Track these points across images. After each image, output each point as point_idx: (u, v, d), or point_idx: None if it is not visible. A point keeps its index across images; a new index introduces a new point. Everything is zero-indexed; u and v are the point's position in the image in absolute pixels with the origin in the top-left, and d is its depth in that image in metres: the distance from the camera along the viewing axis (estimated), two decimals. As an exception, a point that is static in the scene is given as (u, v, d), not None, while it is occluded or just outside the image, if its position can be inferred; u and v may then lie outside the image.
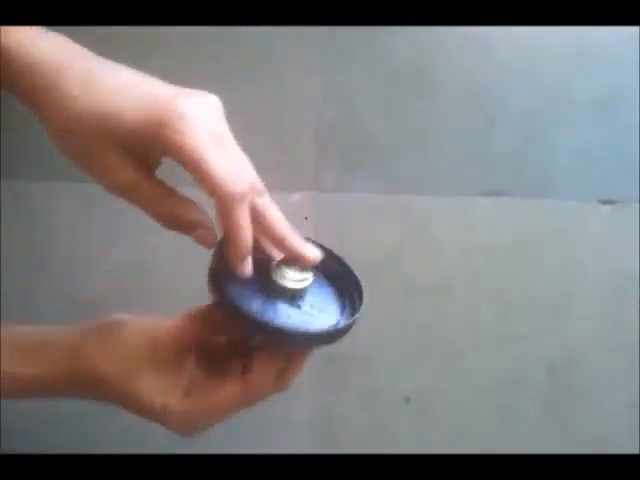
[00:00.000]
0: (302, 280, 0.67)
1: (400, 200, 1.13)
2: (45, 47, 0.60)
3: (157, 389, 0.62)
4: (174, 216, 0.62)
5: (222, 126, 0.61)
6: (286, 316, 0.65)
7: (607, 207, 1.20)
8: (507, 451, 1.13)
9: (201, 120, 0.58)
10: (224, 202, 0.59)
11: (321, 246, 0.69)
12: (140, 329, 0.66)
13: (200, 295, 1.09)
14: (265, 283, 0.66)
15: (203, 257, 1.12)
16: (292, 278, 0.66)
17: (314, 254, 0.66)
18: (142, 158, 0.60)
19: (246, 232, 0.61)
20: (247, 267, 0.63)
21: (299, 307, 0.68)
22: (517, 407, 1.16)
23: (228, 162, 0.59)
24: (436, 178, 1.18)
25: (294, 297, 0.67)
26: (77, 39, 0.64)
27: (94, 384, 0.62)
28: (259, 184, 0.64)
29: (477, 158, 1.19)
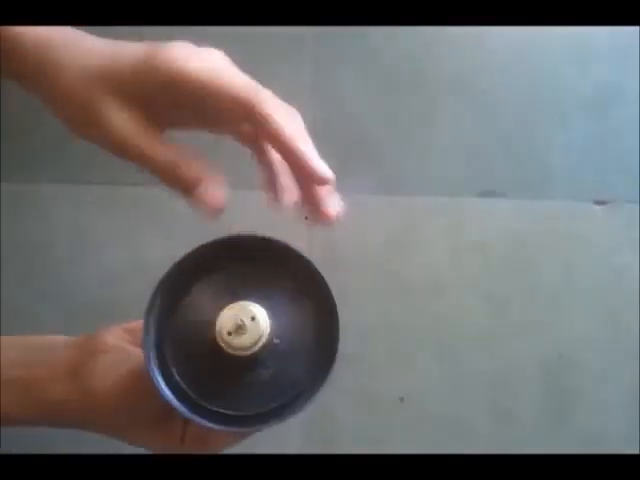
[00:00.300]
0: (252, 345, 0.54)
1: (394, 201, 1.13)
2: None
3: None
4: (172, 170, 0.56)
5: (228, 61, 0.58)
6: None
7: (601, 207, 1.20)
8: (502, 450, 1.13)
9: (207, 53, 0.56)
10: (254, 97, 0.54)
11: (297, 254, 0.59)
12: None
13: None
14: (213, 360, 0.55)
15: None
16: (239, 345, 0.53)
17: (327, 173, 0.57)
18: (146, 108, 0.56)
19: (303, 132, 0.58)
20: (324, 167, 0.57)
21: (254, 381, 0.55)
22: (512, 405, 1.16)
23: (243, 77, 0.55)
24: (430, 179, 1.18)
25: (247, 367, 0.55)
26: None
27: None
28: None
29: (471, 159, 1.20)
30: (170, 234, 1.10)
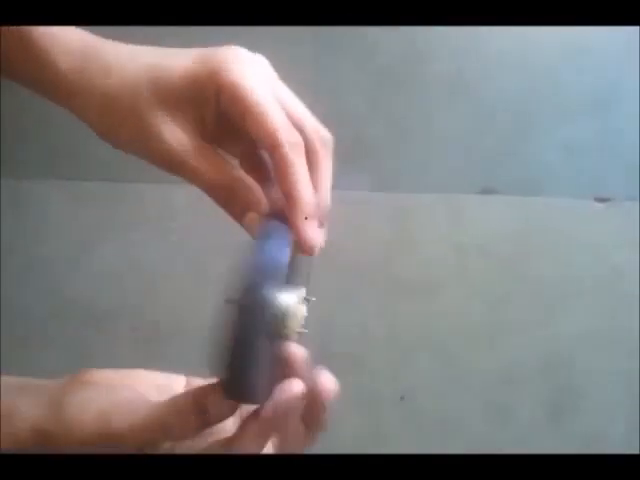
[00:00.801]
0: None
1: (391, 198, 1.13)
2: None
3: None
4: (228, 190, 0.53)
5: (276, 77, 0.57)
6: None
7: (602, 204, 1.20)
8: (502, 448, 1.13)
9: (257, 64, 0.55)
10: (280, 151, 0.52)
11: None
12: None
13: (187, 295, 1.09)
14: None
15: (193, 258, 1.12)
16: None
17: (314, 243, 0.53)
18: (196, 121, 0.54)
19: (307, 187, 0.52)
20: (313, 230, 0.52)
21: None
22: (512, 404, 1.16)
23: (283, 112, 0.53)
24: (429, 176, 1.18)
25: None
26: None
27: None
28: (319, 132, 0.56)
29: (469, 156, 1.19)
30: (166, 232, 1.09)
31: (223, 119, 0.54)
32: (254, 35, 1.12)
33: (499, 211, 1.18)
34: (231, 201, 0.54)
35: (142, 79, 0.53)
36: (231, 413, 0.53)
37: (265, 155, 0.58)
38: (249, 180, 0.54)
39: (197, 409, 0.52)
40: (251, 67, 0.54)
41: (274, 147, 0.52)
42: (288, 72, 1.20)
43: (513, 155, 1.19)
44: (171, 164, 0.53)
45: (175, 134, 0.53)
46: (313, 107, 1.18)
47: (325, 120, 1.22)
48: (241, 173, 0.54)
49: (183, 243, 1.09)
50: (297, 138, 0.53)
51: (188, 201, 1.11)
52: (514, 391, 1.16)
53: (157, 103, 0.53)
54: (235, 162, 0.56)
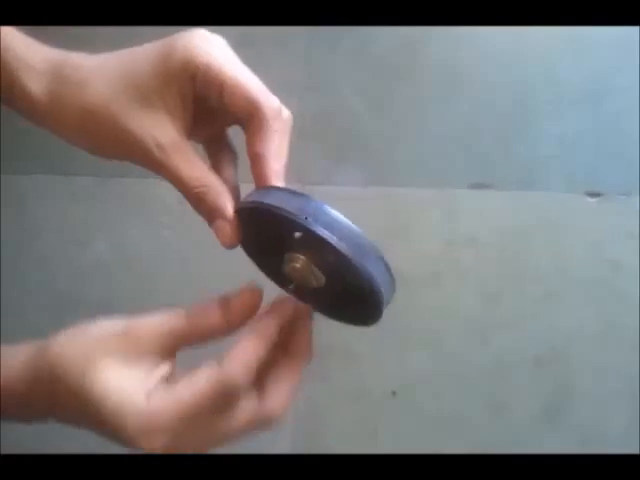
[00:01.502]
0: None
1: (385, 192, 1.12)
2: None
3: (120, 386, 0.51)
4: (199, 194, 0.55)
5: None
6: None
7: (594, 199, 1.19)
8: (496, 444, 1.13)
9: (220, 43, 0.55)
10: (267, 117, 0.53)
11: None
12: (111, 323, 0.54)
13: (180, 290, 1.08)
14: None
15: (185, 253, 1.11)
16: None
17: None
18: (173, 113, 0.54)
19: (283, 149, 0.54)
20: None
21: None
22: (505, 398, 1.16)
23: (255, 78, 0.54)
24: (422, 171, 1.18)
25: None
26: (77, 38, 0.62)
27: (52, 387, 0.55)
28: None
29: (464, 151, 1.19)
30: (156, 228, 1.09)
31: (197, 105, 0.54)
32: (248, 33, 1.11)
33: (492, 206, 1.18)
34: (201, 204, 0.55)
35: (114, 84, 0.53)
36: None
37: (230, 138, 0.59)
38: (219, 184, 0.55)
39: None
40: (217, 45, 0.54)
41: (256, 110, 0.53)
42: (283, 68, 1.20)
43: (506, 150, 1.19)
44: (151, 164, 0.54)
45: (153, 133, 0.53)
46: (307, 103, 1.19)
47: (318, 115, 1.22)
48: (212, 177, 0.55)
49: (176, 238, 1.08)
50: (276, 103, 0.54)
51: (181, 197, 1.10)
52: (509, 386, 1.16)
53: (132, 105, 0.53)
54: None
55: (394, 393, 1.16)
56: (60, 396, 0.52)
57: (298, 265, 0.55)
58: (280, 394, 0.54)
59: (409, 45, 1.17)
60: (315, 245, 0.52)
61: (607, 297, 1.18)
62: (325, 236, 0.50)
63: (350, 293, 0.57)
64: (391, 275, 0.55)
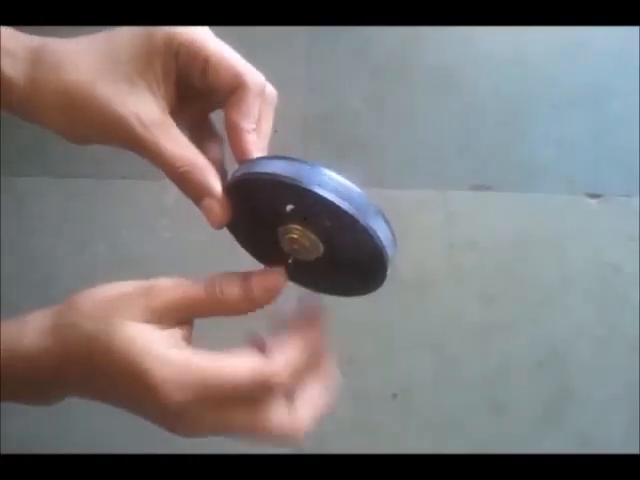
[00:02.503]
0: None
1: (385, 194, 1.12)
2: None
3: (147, 336, 0.49)
4: (184, 172, 0.53)
5: None
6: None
7: (594, 200, 1.19)
8: (496, 445, 1.13)
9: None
10: (252, 90, 0.53)
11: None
12: (131, 283, 0.53)
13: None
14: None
15: (184, 255, 1.11)
16: None
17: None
18: (154, 91, 0.53)
19: (268, 124, 0.55)
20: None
21: None
22: (505, 401, 1.15)
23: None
24: (422, 172, 1.17)
25: None
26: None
27: None
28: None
29: (463, 152, 1.19)
30: (157, 229, 1.08)
31: (180, 85, 0.54)
32: (246, 30, 1.11)
33: (492, 207, 1.18)
34: (187, 183, 0.53)
35: (94, 65, 0.52)
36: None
37: (213, 123, 0.58)
38: (205, 162, 0.53)
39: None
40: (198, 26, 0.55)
41: (240, 85, 0.53)
42: (282, 69, 1.20)
43: (506, 152, 1.19)
44: (134, 144, 0.52)
45: (135, 111, 0.52)
46: (307, 103, 1.18)
47: (318, 116, 1.22)
48: (198, 155, 0.53)
49: (174, 239, 1.08)
50: (261, 78, 0.54)
51: (180, 198, 1.10)
52: (510, 389, 1.16)
53: (114, 85, 0.52)
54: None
55: (395, 395, 1.15)
56: (86, 355, 0.50)
57: (295, 236, 0.53)
58: (309, 407, 0.52)
59: (409, 47, 1.17)
60: (312, 212, 0.50)
61: (607, 299, 1.18)
62: (328, 197, 0.48)
63: (351, 259, 0.56)
64: (392, 232, 0.53)
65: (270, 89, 0.55)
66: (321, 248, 0.54)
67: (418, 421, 1.14)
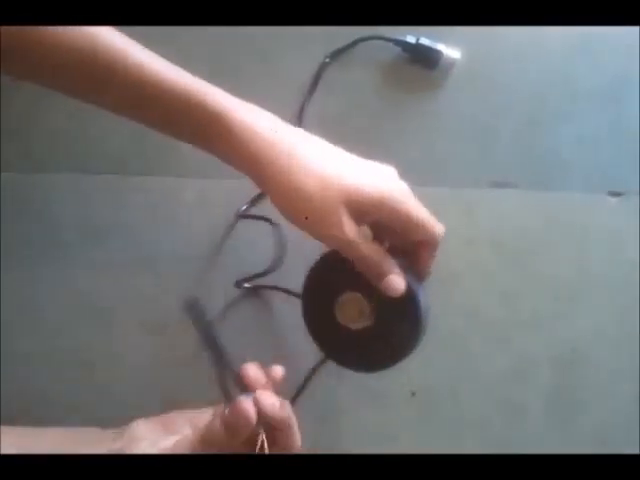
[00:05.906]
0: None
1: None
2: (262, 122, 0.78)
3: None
4: (370, 259, 0.78)
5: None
6: None
7: (615, 199, 1.18)
8: (513, 445, 1.12)
9: (409, 190, 0.83)
10: (435, 243, 0.85)
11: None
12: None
13: (198, 291, 1.08)
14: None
15: (202, 251, 1.11)
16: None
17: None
18: (361, 220, 0.78)
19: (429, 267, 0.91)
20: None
21: None
22: (524, 401, 1.15)
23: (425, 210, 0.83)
24: (441, 170, 1.17)
25: None
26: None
27: None
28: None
29: (483, 149, 1.18)
30: (174, 227, 1.09)
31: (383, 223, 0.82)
32: (259, 31, 1.11)
33: (512, 205, 1.17)
34: (375, 274, 0.78)
35: (335, 186, 0.74)
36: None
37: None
38: (385, 254, 0.80)
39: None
40: (409, 193, 0.83)
41: (434, 245, 0.86)
42: (295, 67, 1.19)
43: (526, 149, 1.18)
44: (341, 244, 0.76)
45: (349, 224, 0.75)
46: (324, 102, 1.18)
47: (334, 114, 1.21)
48: (380, 249, 0.80)
49: (192, 237, 1.08)
50: (442, 229, 0.86)
51: (198, 195, 1.10)
52: (529, 387, 1.15)
53: (343, 203, 0.74)
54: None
55: (413, 394, 1.15)
56: None
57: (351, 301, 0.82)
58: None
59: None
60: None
61: (630, 298, 1.17)
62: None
63: (388, 334, 0.85)
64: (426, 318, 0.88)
65: (440, 228, 0.86)
66: (370, 320, 0.84)
67: (437, 419, 1.14)
